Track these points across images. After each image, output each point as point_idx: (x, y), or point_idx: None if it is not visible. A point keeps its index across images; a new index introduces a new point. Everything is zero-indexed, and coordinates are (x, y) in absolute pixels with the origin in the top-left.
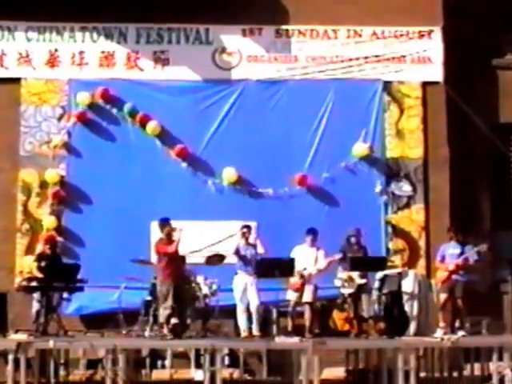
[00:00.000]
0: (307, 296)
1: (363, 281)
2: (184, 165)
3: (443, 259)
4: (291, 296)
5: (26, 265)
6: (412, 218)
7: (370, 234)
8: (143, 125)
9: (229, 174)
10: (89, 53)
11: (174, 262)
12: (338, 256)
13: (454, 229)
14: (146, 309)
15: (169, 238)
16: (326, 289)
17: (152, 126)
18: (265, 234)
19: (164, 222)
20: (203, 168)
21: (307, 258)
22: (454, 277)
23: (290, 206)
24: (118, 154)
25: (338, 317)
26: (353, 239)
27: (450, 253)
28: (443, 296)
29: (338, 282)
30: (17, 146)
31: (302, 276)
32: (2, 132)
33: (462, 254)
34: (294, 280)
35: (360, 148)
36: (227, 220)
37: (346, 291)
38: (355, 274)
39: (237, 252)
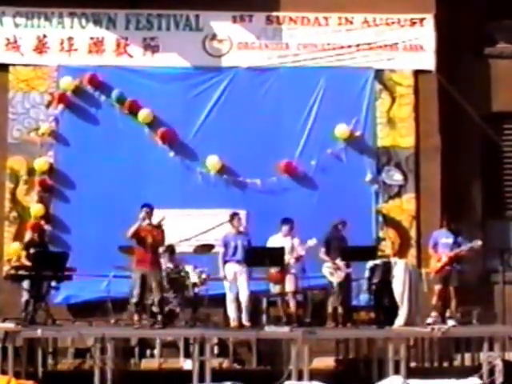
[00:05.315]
0: (289, 286)
1: (349, 269)
2: (171, 154)
3: (435, 246)
4: (274, 289)
5: (14, 251)
6: (403, 208)
7: (360, 224)
8: (132, 112)
9: (212, 162)
10: (77, 39)
11: (146, 250)
12: (313, 242)
13: (446, 217)
14: None
15: (151, 225)
16: (316, 278)
17: (144, 114)
18: (254, 223)
19: (141, 208)
20: (192, 156)
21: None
22: (448, 268)
23: (279, 195)
24: (106, 141)
25: None
26: (340, 226)
27: (443, 242)
28: (438, 287)
29: (325, 271)
30: (5, 133)
31: (281, 267)
32: None
33: (455, 243)
34: (272, 272)
35: (342, 130)
36: (216, 208)
37: (335, 280)
38: (341, 263)
39: (225, 245)
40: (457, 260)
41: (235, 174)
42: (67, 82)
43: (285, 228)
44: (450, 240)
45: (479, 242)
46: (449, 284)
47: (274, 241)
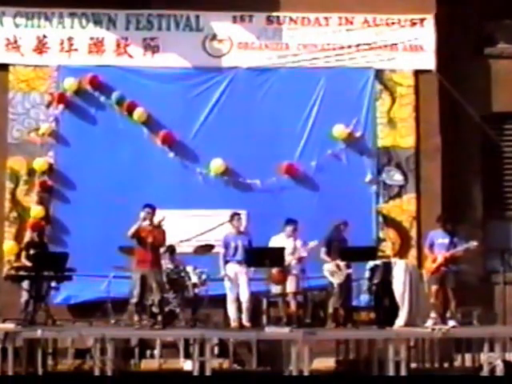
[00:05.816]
0: (290, 287)
1: (350, 270)
2: (171, 154)
3: (431, 247)
4: (275, 289)
5: (9, 249)
6: (403, 208)
7: (360, 224)
8: (130, 112)
9: (216, 165)
10: (78, 39)
11: (146, 251)
12: (314, 244)
13: (443, 218)
14: None
15: (151, 225)
16: (316, 278)
17: (138, 113)
18: (254, 224)
19: (143, 208)
20: (192, 157)
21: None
22: (444, 268)
23: (279, 196)
24: (106, 141)
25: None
26: (342, 227)
27: (440, 242)
28: (434, 287)
29: (326, 272)
30: (5, 134)
31: (282, 268)
32: None
33: (451, 243)
34: (274, 273)
35: (339, 130)
36: (216, 209)
37: (336, 281)
38: (341, 264)
39: (225, 245)
40: (452, 261)
41: (235, 175)
42: (70, 83)
43: (289, 228)
44: (447, 240)
45: (475, 243)
46: (445, 285)
47: (277, 241)
